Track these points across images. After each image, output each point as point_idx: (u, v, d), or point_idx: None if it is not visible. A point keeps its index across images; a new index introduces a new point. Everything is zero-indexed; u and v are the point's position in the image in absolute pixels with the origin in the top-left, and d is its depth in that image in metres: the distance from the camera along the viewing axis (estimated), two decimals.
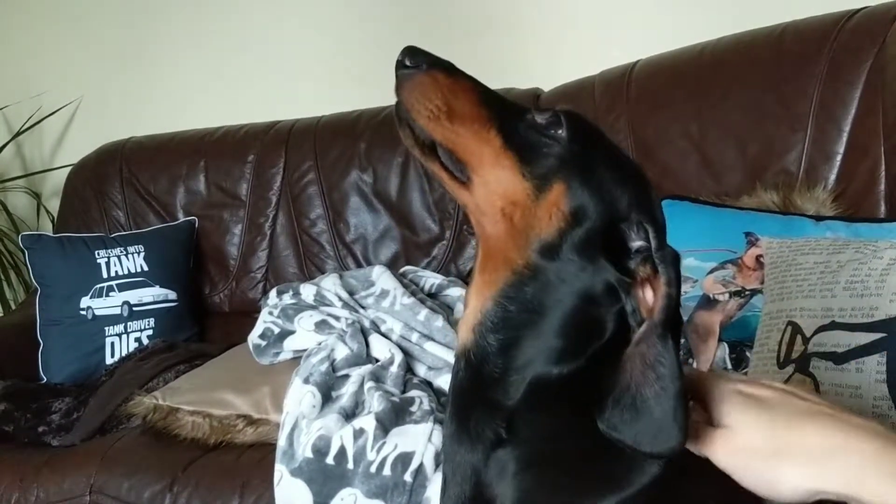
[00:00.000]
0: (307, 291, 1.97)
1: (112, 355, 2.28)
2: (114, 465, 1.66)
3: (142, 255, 2.40)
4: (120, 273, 2.35)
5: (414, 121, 0.71)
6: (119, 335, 2.30)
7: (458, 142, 0.71)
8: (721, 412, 0.63)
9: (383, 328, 1.80)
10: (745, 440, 0.60)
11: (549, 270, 0.69)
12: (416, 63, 0.72)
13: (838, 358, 1.16)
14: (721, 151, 1.86)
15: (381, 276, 1.96)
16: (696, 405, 0.66)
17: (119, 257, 2.37)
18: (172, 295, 2.41)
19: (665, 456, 0.63)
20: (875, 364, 1.10)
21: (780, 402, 0.61)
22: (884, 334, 1.11)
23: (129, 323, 2.32)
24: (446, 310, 1.89)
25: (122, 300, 2.33)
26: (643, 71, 2.03)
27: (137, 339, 2.32)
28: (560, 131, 0.71)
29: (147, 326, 2.34)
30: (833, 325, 1.20)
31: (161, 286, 2.40)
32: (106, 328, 2.30)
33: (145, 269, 2.39)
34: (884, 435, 0.55)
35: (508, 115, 0.72)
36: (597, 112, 2.03)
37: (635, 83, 2.02)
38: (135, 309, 2.34)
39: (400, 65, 0.72)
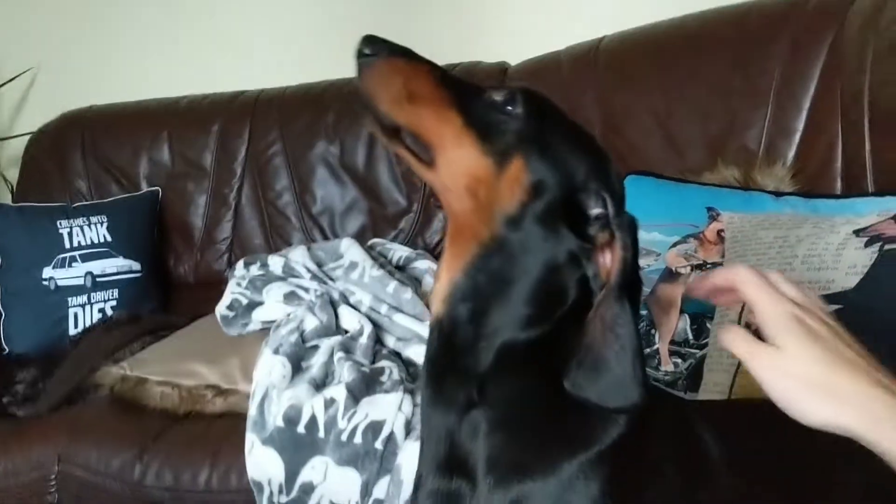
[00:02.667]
0: (275, 263, 1.98)
1: (75, 326, 2.26)
2: (82, 435, 1.65)
3: (105, 225, 2.38)
4: (83, 243, 2.33)
5: (377, 106, 0.73)
6: (82, 306, 2.28)
7: (420, 124, 0.73)
8: (776, 333, 0.65)
9: (352, 300, 1.82)
10: (793, 365, 0.63)
11: (514, 241, 0.73)
12: (374, 51, 0.74)
13: None
14: (685, 128, 1.90)
15: (349, 249, 1.97)
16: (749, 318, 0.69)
17: (82, 227, 2.34)
18: (136, 266, 2.40)
19: (627, 410, 0.67)
20: None
21: (831, 342, 0.64)
22: (840, 306, 1.16)
23: (92, 294, 2.30)
24: (414, 282, 1.91)
25: (86, 271, 2.30)
26: (610, 46, 2.05)
27: (101, 310, 2.30)
28: (517, 108, 0.74)
29: (111, 297, 2.33)
30: None
31: (125, 257, 2.38)
32: (69, 299, 2.28)
33: (109, 239, 2.36)
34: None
35: (467, 96, 0.75)
36: (564, 87, 2.05)
37: (602, 59, 2.04)
38: (98, 280, 2.32)
39: (359, 53, 0.75)
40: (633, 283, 0.70)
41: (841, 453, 0.81)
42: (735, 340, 0.67)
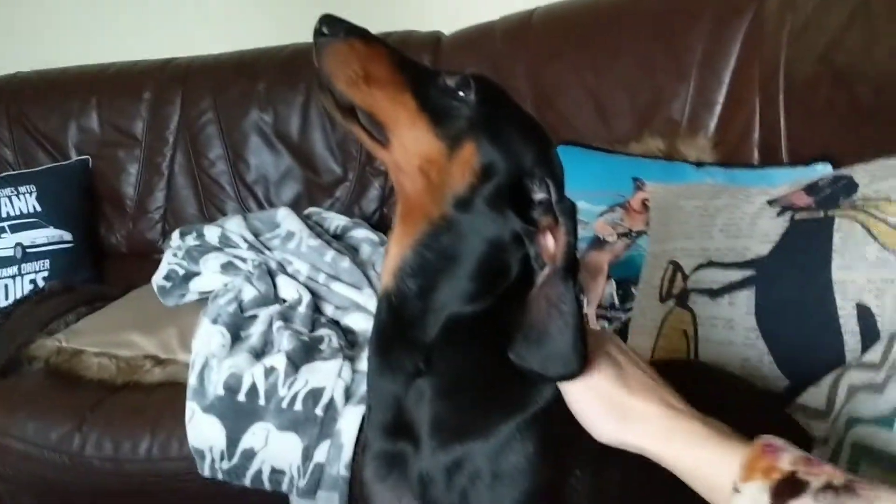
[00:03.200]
0: (211, 233, 1.98)
1: (6, 297, 2.23)
2: (18, 408, 1.65)
3: (34, 195, 2.34)
4: (11, 214, 2.29)
5: (334, 86, 0.76)
6: (13, 277, 2.25)
7: (375, 105, 0.76)
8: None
9: (290, 269, 1.84)
10: (596, 381, 0.71)
11: (463, 222, 0.77)
12: (333, 31, 0.76)
13: (714, 293, 1.27)
14: (613, 100, 1.96)
15: (286, 218, 1.98)
16: None
17: (10, 197, 2.30)
18: (68, 236, 2.36)
19: (568, 378, 0.72)
20: (745, 298, 1.22)
21: (629, 368, 0.73)
22: (753, 272, 1.23)
23: (23, 265, 2.27)
24: (352, 251, 1.94)
25: (15, 241, 2.27)
26: (543, 18, 2.09)
27: (33, 282, 2.27)
28: (469, 94, 0.78)
29: (42, 268, 2.30)
30: (710, 264, 1.31)
31: (55, 227, 2.35)
32: None
33: (38, 209, 2.33)
34: (679, 412, 0.69)
35: (422, 80, 0.78)
36: (497, 58, 2.08)
37: (535, 30, 2.08)
38: (28, 250, 2.29)
39: (318, 33, 0.76)
40: (574, 264, 0.75)
41: (750, 405, 0.89)
42: None
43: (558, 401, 0.75)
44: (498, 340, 0.75)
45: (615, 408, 0.70)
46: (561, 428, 0.76)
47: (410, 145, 0.76)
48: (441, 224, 0.77)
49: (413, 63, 0.81)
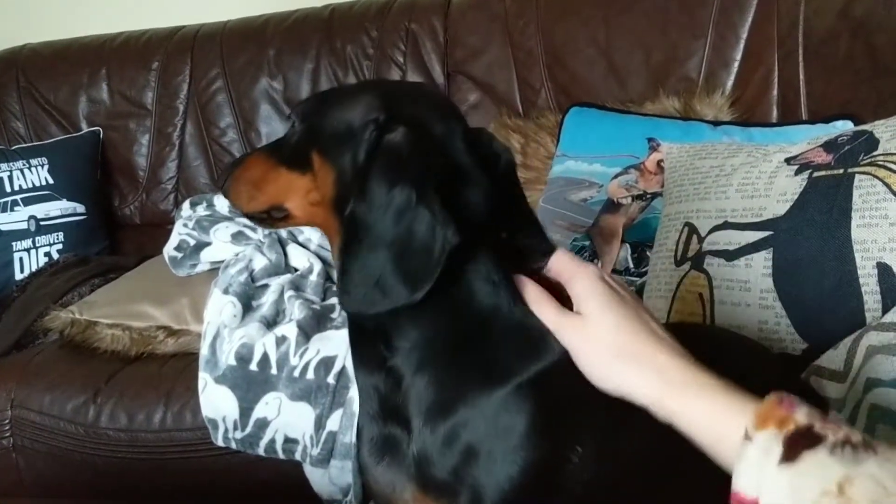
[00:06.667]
0: (221, 203, 1.96)
1: (21, 270, 2.23)
2: (34, 379, 1.66)
3: (45, 167, 2.33)
4: (24, 187, 2.28)
5: (247, 212, 0.89)
6: (27, 250, 2.25)
7: (269, 199, 0.87)
8: (583, 300, 0.70)
9: (301, 238, 1.82)
10: (597, 332, 0.68)
11: (357, 214, 0.75)
12: (224, 177, 0.91)
13: (730, 255, 1.25)
14: (627, 58, 1.92)
15: None
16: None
17: (22, 170, 2.29)
18: (81, 208, 2.36)
19: (402, 306, 0.72)
20: (762, 260, 1.19)
21: (634, 310, 0.70)
22: (770, 232, 1.20)
23: (37, 237, 2.27)
24: None
25: (29, 214, 2.27)
26: None
27: (47, 254, 2.27)
28: (295, 123, 0.86)
29: (56, 241, 2.30)
30: (726, 225, 1.28)
31: (68, 199, 2.34)
32: (13, 243, 2.24)
33: (50, 182, 2.32)
34: (690, 361, 0.66)
35: (281, 148, 0.88)
36: (508, 19, 2.05)
37: None
38: (42, 223, 2.29)
39: (220, 187, 0.92)
40: (363, 179, 0.74)
41: (763, 370, 0.86)
42: (543, 310, 0.72)
43: (554, 369, 0.73)
44: (450, 307, 0.76)
45: (627, 355, 0.66)
46: (559, 398, 0.73)
47: (293, 197, 0.85)
48: (347, 228, 0.76)
49: (277, 143, 0.90)
